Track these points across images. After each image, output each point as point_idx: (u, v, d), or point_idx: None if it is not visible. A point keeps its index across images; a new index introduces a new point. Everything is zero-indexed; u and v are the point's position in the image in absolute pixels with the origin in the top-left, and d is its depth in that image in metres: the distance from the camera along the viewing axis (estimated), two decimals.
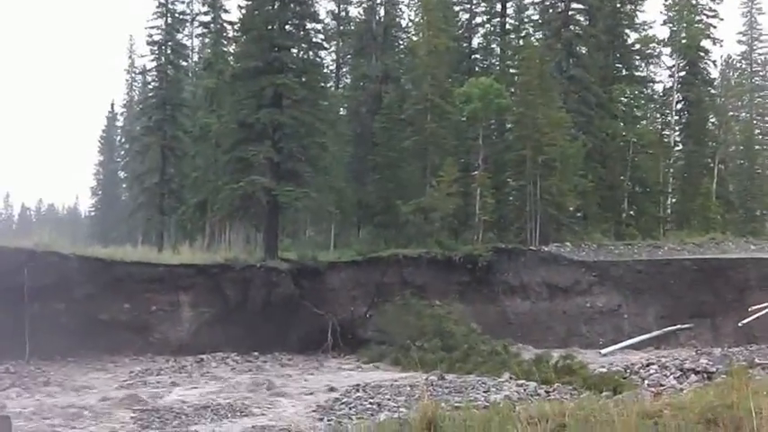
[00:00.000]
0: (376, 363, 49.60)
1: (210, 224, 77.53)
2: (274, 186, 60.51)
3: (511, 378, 42.03)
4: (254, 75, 63.55)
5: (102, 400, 37.41)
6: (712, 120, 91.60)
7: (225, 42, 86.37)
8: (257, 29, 65.91)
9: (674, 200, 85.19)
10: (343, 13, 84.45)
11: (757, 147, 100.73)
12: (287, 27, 66.10)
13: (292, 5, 66.00)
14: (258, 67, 63.17)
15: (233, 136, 66.36)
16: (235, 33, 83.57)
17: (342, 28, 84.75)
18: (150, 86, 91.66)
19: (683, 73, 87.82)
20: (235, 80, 68.35)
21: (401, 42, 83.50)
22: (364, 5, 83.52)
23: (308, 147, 63.79)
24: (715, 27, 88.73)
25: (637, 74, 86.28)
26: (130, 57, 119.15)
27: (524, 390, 39.02)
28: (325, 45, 78.07)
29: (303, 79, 65.52)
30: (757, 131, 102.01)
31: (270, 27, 65.96)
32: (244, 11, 68.53)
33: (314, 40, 69.93)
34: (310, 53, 70.65)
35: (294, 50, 67.06)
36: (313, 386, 41.79)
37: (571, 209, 75.32)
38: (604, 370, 42.76)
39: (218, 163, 71.93)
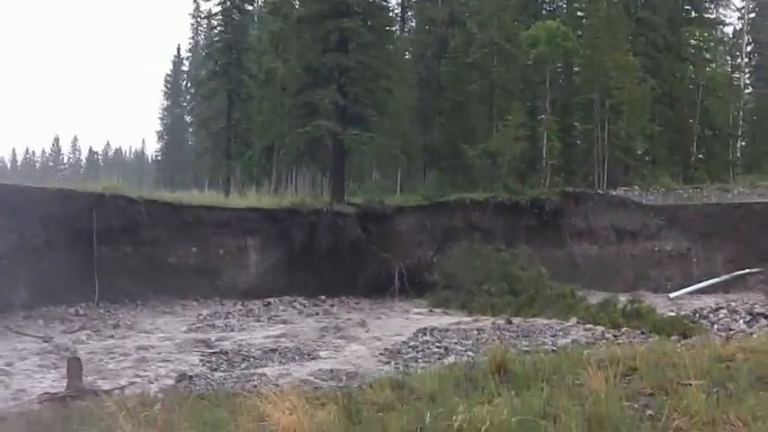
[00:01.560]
0: (443, 307, 49.60)
1: (277, 168, 77.85)
2: (340, 131, 60.60)
3: (579, 322, 42.05)
4: (320, 18, 63.52)
5: (170, 342, 37.78)
6: None
7: None
8: None
9: (743, 143, 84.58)
10: None
11: None
12: None
13: None
14: (323, 11, 63.12)
15: (299, 80, 66.52)
16: None
17: None
18: (216, 30, 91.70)
19: (752, 15, 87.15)
20: (300, 24, 68.43)
21: None
22: None
23: (374, 91, 63.79)
24: None
25: (706, 16, 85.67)
26: (195, 0, 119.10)
27: (592, 334, 39.02)
28: None
29: (368, 23, 65.42)
30: None
31: None
32: None
33: None
34: None
35: None
36: (381, 330, 41.92)
37: (639, 152, 75.23)
38: (673, 314, 42.57)
39: (284, 107, 72.16)
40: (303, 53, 66.16)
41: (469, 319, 45.10)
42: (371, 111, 62.80)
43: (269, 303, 50.49)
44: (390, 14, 77.15)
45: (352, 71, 62.60)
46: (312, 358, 34.30)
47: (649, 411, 11.94)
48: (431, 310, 49.22)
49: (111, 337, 39.03)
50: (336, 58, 61.50)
